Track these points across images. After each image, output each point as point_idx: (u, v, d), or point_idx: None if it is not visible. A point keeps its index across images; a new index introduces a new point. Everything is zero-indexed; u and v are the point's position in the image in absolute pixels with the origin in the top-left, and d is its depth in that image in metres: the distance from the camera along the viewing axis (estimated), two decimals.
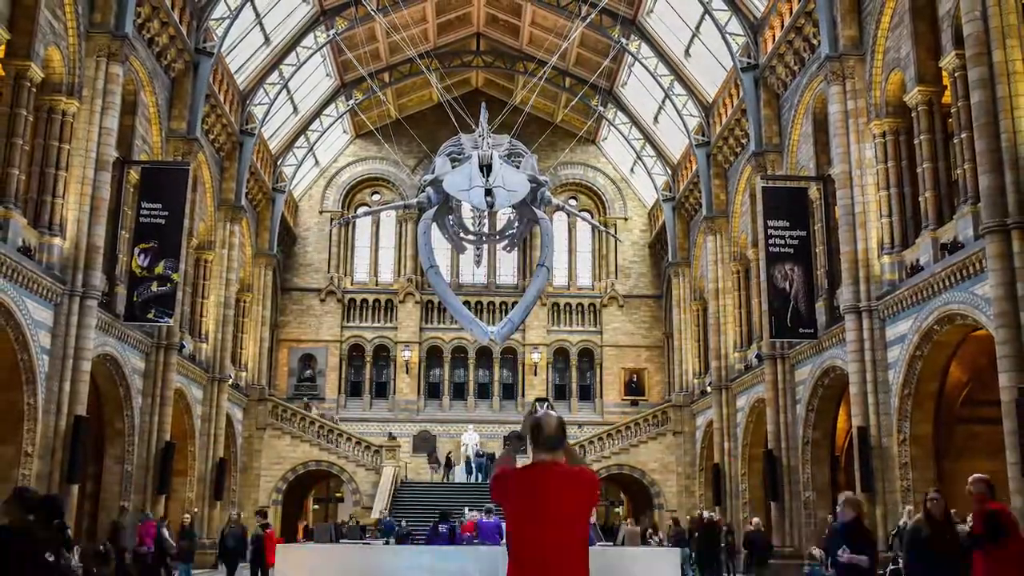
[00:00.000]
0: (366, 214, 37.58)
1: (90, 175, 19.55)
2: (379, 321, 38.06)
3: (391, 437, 34.11)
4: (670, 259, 34.78)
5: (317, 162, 38.44)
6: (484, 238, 16.53)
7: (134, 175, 22.49)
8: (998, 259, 14.25)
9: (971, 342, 17.28)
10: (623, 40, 30.56)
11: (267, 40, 29.20)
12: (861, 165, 20.02)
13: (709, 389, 30.49)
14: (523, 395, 37.44)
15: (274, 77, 30.16)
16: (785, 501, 23.18)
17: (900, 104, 19.21)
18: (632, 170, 39.01)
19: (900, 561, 13.24)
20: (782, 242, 22.24)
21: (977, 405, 17.76)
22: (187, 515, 21.05)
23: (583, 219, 32.86)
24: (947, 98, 17.67)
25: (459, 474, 33.47)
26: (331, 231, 38.41)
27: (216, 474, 27.47)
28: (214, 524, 27.29)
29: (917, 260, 18.08)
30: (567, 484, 4.22)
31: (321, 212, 38.99)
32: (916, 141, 18.57)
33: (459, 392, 37.82)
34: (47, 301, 18.21)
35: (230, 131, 28.63)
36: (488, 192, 12.65)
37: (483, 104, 17.01)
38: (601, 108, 35.68)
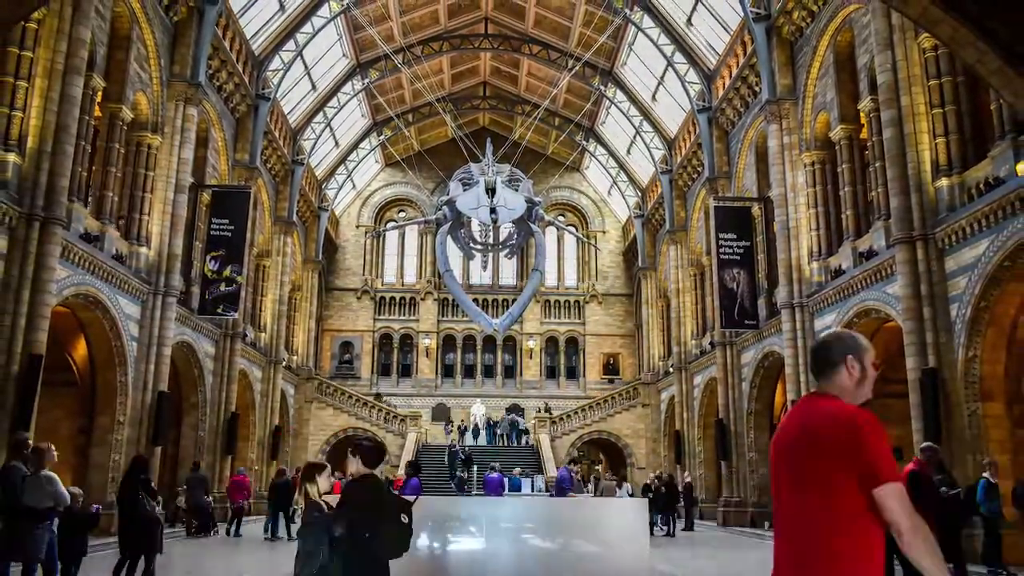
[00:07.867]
0: (394, 228, 37.65)
1: (170, 197, 19.61)
2: (404, 315, 38.04)
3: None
4: (640, 264, 34.75)
5: (354, 186, 38.42)
6: (489, 247, 16.56)
7: (206, 197, 22.51)
8: (905, 264, 14.33)
9: (883, 332, 17.28)
10: (602, 87, 30.58)
11: (314, 87, 29.25)
12: (794, 188, 20.05)
13: (671, 370, 30.46)
14: (521, 375, 37.42)
15: (319, 117, 30.19)
16: (733, 460, 23.18)
17: (826, 139, 19.26)
18: (609, 192, 38.99)
19: None
20: (730, 251, 22.25)
21: (889, 383, 17.70)
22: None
23: (569, 232, 32.94)
24: (864, 134, 17.70)
25: (468, 438, 33.41)
26: (365, 242, 38.45)
27: (272, 439, 27.49)
28: (270, 478, 27.28)
29: (840, 265, 18.10)
30: (803, 428, 2.36)
31: (357, 226, 38.99)
32: (839, 169, 18.63)
33: (469, 372, 37.74)
34: (135, 298, 18.24)
35: (284, 161, 28.62)
36: (492, 210, 12.70)
37: (488, 139, 17.04)
38: (584, 142, 35.68)
